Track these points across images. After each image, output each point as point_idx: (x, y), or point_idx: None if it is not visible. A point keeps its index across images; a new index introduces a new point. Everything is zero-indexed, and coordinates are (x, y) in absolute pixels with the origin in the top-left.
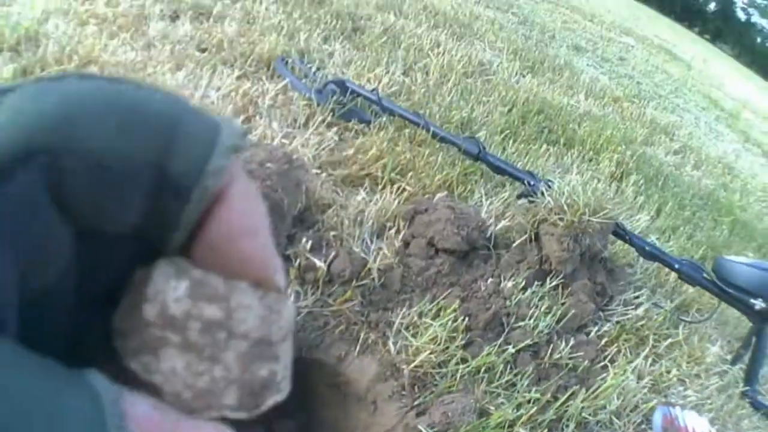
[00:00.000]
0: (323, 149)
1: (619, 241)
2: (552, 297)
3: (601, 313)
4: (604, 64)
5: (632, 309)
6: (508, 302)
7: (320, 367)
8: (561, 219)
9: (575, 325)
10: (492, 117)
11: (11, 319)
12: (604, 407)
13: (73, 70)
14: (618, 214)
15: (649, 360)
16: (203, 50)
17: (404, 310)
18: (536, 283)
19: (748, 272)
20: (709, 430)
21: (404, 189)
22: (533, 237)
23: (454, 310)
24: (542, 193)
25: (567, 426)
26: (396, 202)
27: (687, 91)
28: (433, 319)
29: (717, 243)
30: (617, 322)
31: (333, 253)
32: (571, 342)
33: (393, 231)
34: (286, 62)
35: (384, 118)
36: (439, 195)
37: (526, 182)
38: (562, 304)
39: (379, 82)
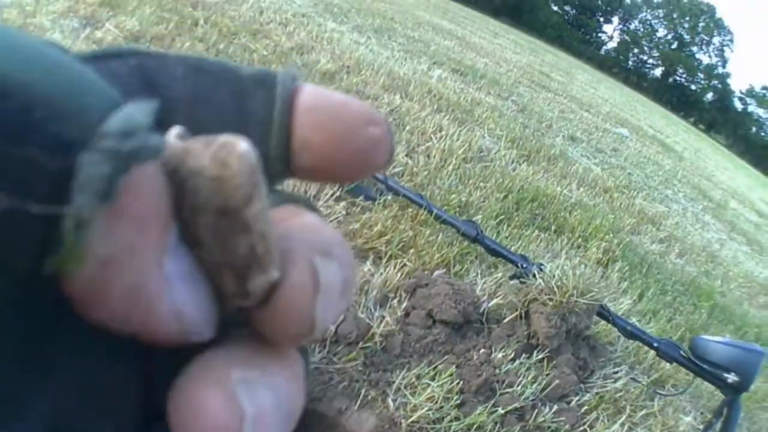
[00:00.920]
0: (332, 222)
1: (603, 321)
2: (538, 368)
3: (582, 385)
4: (597, 155)
5: (611, 382)
6: (498, 370)
7: (321, 419)
8: (550, 299)
9: (558, 394)
10: (488, 202)
11: None
12: None
13: None
14: (603, 297)
15: (626, 427)
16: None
17: (404, 372)
18: (524, 355)
19: (722, 349)
20: None
21: (405, 264)
22: (523, 314)
23: (450, 374)
24: (534, 276)
25: None
26: (398, 275)
27: (677, 182)
28: (431, 380)
29: (695, 326)
30: (597, 393)
31: (341, 318)
32: (554, 408)
33: (395, 301)
34: None
35: (389, 197)
36: (437, 272)
37: (519, 265)
38: (547, 374)
39: None
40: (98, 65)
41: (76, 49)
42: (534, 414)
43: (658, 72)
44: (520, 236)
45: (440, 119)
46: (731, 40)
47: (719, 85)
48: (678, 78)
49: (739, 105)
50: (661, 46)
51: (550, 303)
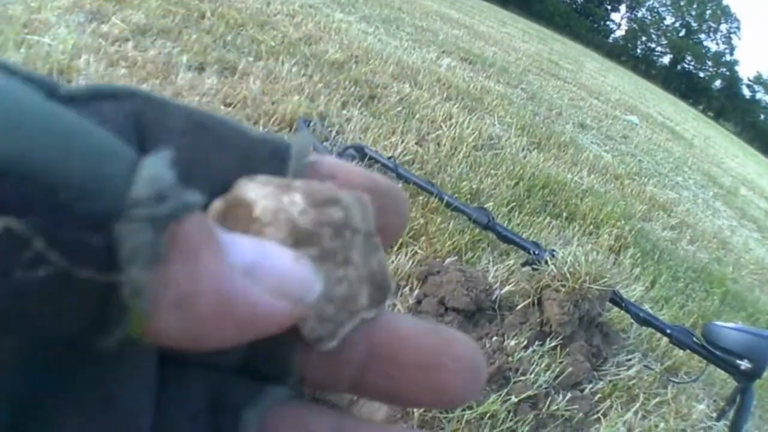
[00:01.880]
0: None
1: (615, 308)
2: (551, 356)
3: (595, 373)
4: (608, 142)
5: (624, 370)
6: (510, 358)
7: (332, 409)
8: (563, 285)
9: (571, 382)
10: (499, 189)
11: None
12: None
13: None
14: (615, 283)
15: (639, 415)
16: (228, 105)
17: None
18: (537, 342)
19: (735, 336)
20: None
21: (416, 252)
22: (536, 301)
23: None
24: (546, 262)
25: None
26: (410, 263)
27: (687, 168)
28: None
29: (708, 312)
30: (610, 381)
31: None
32: (568, 396)
33: (407, 289)
34: (308, 124)
35: (399, 185)
36: (449, 259)
37: (531, 251)
38: (560, 362)
39: (395, 150)
40: (91, 107)
41: (82, 44)
42: (547, 402)
43: (666, 60)
44: (532, 223)
45: (450, 107)
46: (738, 28)
47: (727, 73)
48: (686, 66)
49: (747, 92)
50: (669, 34)
51: (563, 289)
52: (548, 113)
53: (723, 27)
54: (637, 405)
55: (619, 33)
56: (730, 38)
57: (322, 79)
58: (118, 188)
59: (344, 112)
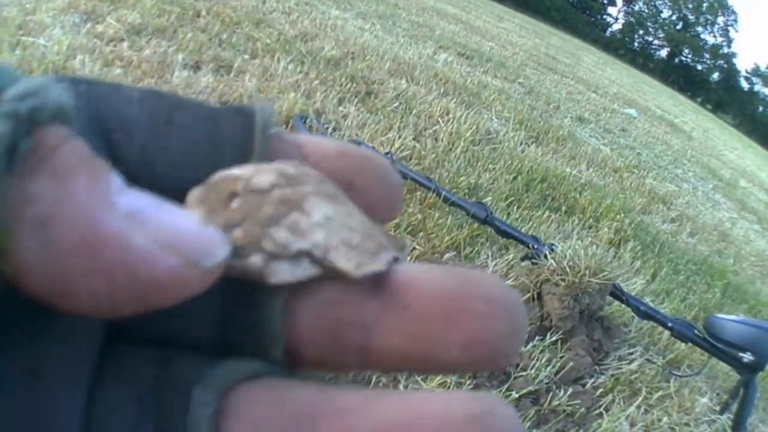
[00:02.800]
0: None
1: (616, 302)
2: (552, 350)
3: (597, 367)
4: (606, 135)
5: (626, 364)
6: None
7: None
8: (563, 279)
9: (573, 377)
10: (498, 184)
11: None
12: None
13: None
14: (616, 277)
15: (642, 409)
16: (225, 103)
17: None
18: (537, 337)
19: (737, 328)
20: None
21: (415, 248)
22: (535, 296)
23: None
24: (545, 256)
25: None
26: (408, 259)
27: (686, 161)
28: None
29: (709, 305)
30: (612, 375)
31: None
32: (569, 391)
33: None
34: (305, 121)
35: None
36: (448, 254)
37: (530, 246)
38: (561, 357)
39: (392, 146)
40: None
41: (77, 45)
42: (549, 397)
43: (663, 53)
44: (531, 217)
45: (447, 102)
46: (735, 20)
47: (725, 65)
48: (684, 58)
49: (745, 84)
50: (666, 27)
51: (563, 283)
52: (546, 107)
53: (720, 19)
54: (640, 399)
55: (617, 27)
56: (728, 31)
57: (319, 76)
58: None
59: (341, 108)
